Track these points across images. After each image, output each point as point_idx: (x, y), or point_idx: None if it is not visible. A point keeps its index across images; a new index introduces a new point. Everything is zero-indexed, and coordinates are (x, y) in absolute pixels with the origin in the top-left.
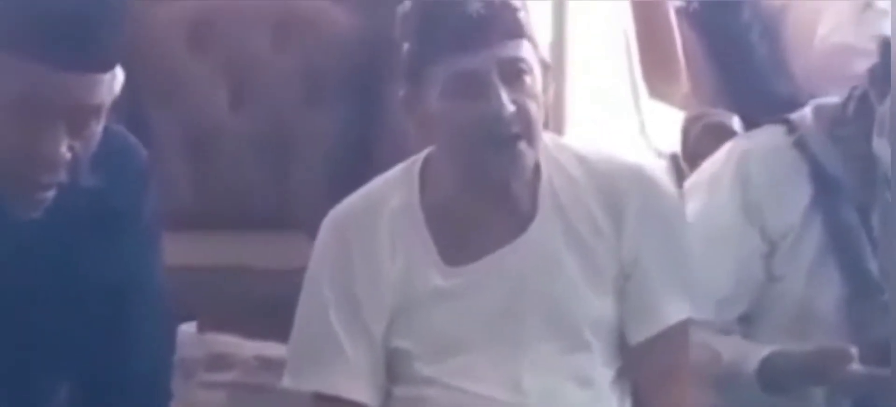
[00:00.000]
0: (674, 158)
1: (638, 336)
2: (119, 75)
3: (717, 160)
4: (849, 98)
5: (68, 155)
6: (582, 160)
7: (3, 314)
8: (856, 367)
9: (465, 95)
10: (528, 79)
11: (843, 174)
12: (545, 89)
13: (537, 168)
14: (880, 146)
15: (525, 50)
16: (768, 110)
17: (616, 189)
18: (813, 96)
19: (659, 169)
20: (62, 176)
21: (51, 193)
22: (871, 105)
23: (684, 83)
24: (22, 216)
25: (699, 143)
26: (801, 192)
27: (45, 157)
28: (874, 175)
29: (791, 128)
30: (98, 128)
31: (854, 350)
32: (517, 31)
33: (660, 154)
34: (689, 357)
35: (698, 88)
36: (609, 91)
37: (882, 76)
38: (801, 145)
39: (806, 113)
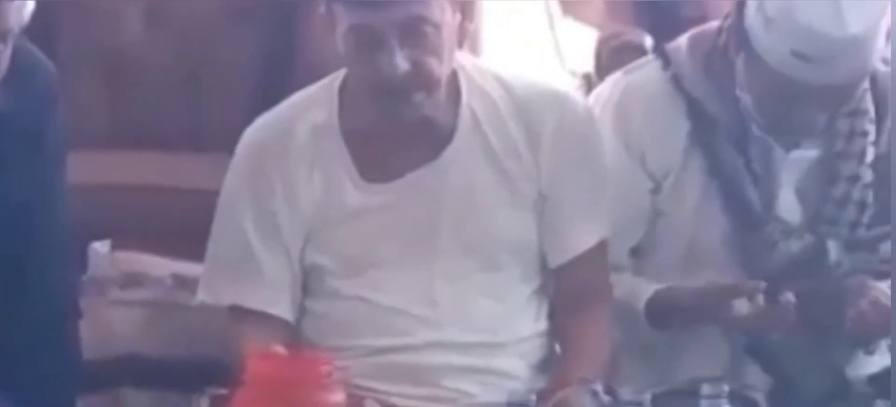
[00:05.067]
0: (587, 78)
1: (557, 259)
2: (29, 3)
3: (602, 94)
4: (721, 28)
5: None
6: (502, 83)
7: None
8: (740, 303)
9: (362, 47)
10: (430, 33)
11: (718, 109)
12: (470, 19)
13: (457, 90)
14: (744, 98)
15: (433, 6)
16: (679, 31)
17: (535, 112)
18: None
19: (573, 89)
20: None
21: None
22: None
23: (598, 1)
24: None
25: (612, 62)
26: (679, 130)
27: None
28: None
29: (666, 62)
30: (6, 53)
31: (759, 284)
32: None
33: (573, 73)
34: (607, 275)
35: (612, 7)
36: (523, 10)
37: (737, 31)
38: (676, 81)
39: (681, 44)
